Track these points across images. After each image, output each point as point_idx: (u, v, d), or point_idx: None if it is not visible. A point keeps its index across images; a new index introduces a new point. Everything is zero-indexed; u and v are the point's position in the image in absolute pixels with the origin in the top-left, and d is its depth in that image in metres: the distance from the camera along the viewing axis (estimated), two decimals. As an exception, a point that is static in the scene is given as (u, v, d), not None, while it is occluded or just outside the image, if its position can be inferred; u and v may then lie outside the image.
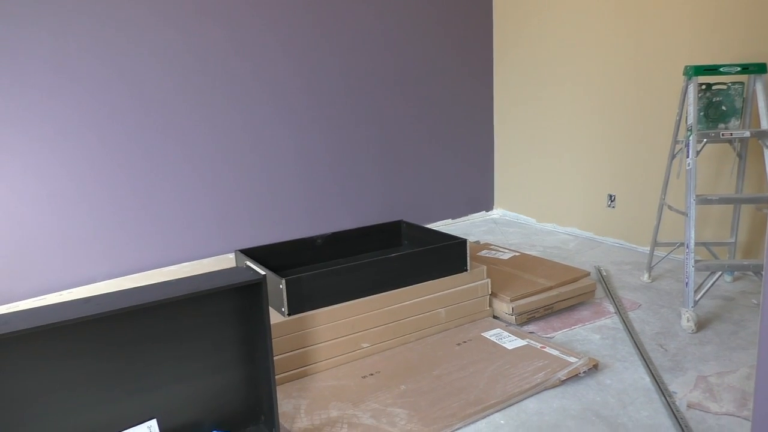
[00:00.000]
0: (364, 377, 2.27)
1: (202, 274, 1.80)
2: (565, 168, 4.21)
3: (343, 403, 2.10)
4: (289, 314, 2.27)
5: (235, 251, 2.72)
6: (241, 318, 1.83)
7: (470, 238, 4.17)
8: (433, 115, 4.36)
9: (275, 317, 2.27)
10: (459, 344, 2.51)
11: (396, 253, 2.52)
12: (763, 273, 1.24)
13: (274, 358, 2.19)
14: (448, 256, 2.65)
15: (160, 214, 3.37)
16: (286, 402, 2.12)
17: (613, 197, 3.91)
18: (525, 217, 4.60)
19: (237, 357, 1.85)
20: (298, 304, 2.29)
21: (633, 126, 3.71)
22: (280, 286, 2.26)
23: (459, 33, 4.37)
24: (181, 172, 3.40)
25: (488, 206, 4.82)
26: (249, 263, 2.54)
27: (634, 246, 3.81)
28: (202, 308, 1.77)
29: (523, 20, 4.31)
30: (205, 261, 3.48)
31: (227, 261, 3.42)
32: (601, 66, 3.83)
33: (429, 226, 4.47)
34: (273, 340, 2.17)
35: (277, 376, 2.22)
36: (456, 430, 1.95)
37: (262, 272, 1.79)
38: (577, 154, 4.11)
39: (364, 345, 2.44)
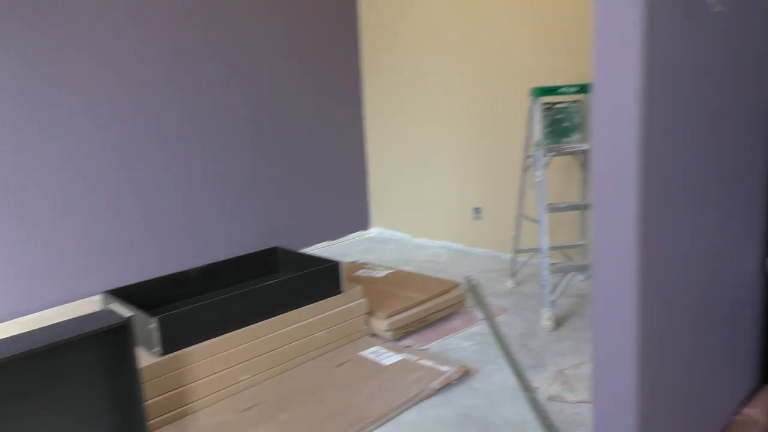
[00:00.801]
0: (245, 410, 2.26)
1: (60, 323, 1.72)
2: (434, 185, 4.42)
3: (224, 439, 2.07)
4: (163, 354, 2.22)
5: (103, 293, 2.60)
6: (108, 364, 1.77)
7: (348, 259, 4.25)
8: (306, 138, 4.41)
9: (148, 358, 2.20)
10: (339, 365, 2.57)
11: (271, 281, 2.53)
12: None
13: (150, 401, 2.12)
14: (323, 280, 2.70)
15: (18, 256, 3.14)
16: (163, 445, 2.06)
17: (479, 210, 4.16)
18: (400, 233, 4.77)
19: (106, 406, 1.79)
20: (172, 342, 2.24)
21: (493, 142, 3.98)
22: (151, 326, 2.20)
23: (327, 54, 4.47)
24: (40, 208, 3.20)
25: (365, 225, 4.94)
26: (114, 305, 2.44)
27: (501, 254, 4.07)
28: (63, 358, 1.69)
29: (389, 43, 4.50)
30: (71, 306, 3.28)
31: (93, 304, 3.25)
32: (462, 87, 4.08)
33: (309, 249, 4.51)
34: (147, 382, 2.11)
35: (153, 420, 2.15)
36: (338, 450, 2.00)
37: (127, 314, 1.75)
38: (444, 170, 4.33)
39: (244, 377, 2.42)
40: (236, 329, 2.42)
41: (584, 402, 2.18)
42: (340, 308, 2.75)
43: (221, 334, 2.37)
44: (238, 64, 3.97)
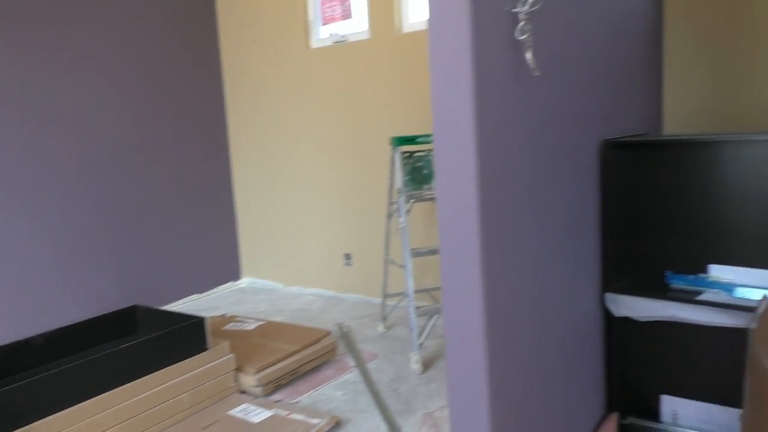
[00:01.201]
0: (98, 487, 2.08)
1: None
2: (305, 232, 4.42)
3: None
4: (-2, 435, 2.00)
5: (-74, 370, 2.31)
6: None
7: (217, 312, 4.11)
8: (169, 187, 4.26)
9: (-20, 441, 1.97)
10: (205, 428, 2.44)
11: (127, 343, 2.38)
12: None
13: (-19, 490, 1.89)
14: (187, 338, 2.58)
15: None
16: None
17: (349, 256, 4.21)
18: (272, 282, 4.69)
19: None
20: (7, 421, 2.02)
21: (360, 190, 4.07)
22: (-16, 405, 1.98)
23: (190, 104, 4.38)
24: None
25: (235, 276, 4.81)
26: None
27: (372, 299, 4.12)
28: None
29: (254, 96, 4.50)
30: None
31: None
32: (328, 137, 4.16)
33: (176, 303, 4.30)
34: (-23, 469, 1.88)
35: None
36: None
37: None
38: (315, 218, 4.35)
39: (97, 450, 2.24)
40: (87, 399, 2.23)
41: (451, 442, 2.23)
42: (206, 366, 2.63)
43: (70, 406, 2.18)
44: (94, 111, 3.78)
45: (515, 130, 1.53)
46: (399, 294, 3.52)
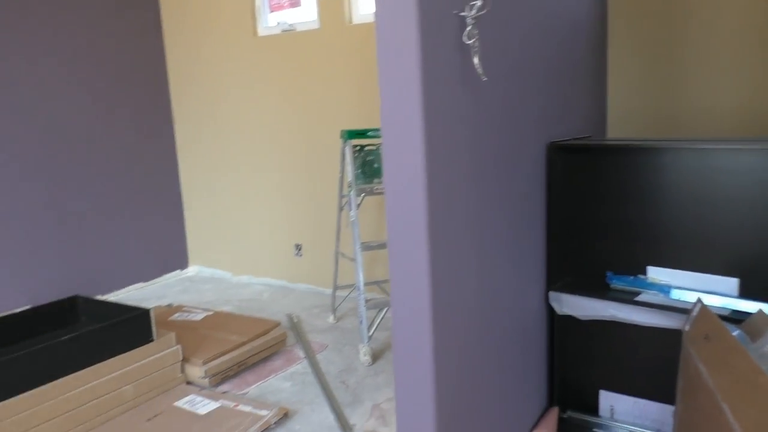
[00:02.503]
0: (37, 481, 2.03)
1: None
2: (255, 221, 4.38)
3: None
4: (-71, 429, 1.92)
5: None
6: None
7: (164, 301, 4.04)
8: (114, 173, 4.14)
9: None
10: (150, 419, 2.41)
11: (68, 335, 2.32)
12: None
13: None
14: (131, 329, 2.54)
15: None
16: None
17: (300, 246, 4.19)
18: (221, 271, 4.63)
19: None
20: (-58, 414, 1.95)
21: (310, 182, 4.05)
22: None
23: (133, 82, 4.26)
24: None
25: (183, 264, 4.73)
26: None
27: (322, 289, 4.13)
28: None
29: (201, 82, 4.41)
30: None
31: None
32: (281, 127, 4.12)
33: (118, 292, 4.20)
34: None
35: None
36: None
37: None
38: (264, 207, 4.31)
39: (36, 443, 2.18)
40: (26, 391, 2.17)
41: (397, 434, 2.27)
42: (151, 358, 2.60)
43: (12, 396, 2.12)
44: (34, 96, 3.64)
45: (463, 131, 1.56)
46: (349, 286, 3.54)
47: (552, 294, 2.15)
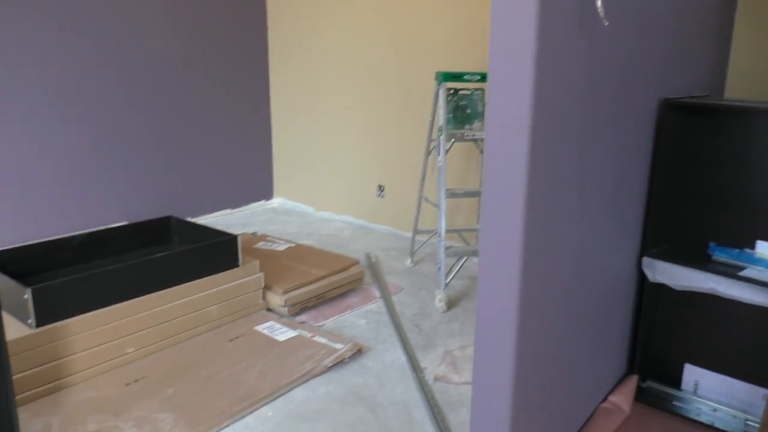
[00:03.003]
0: (129, 384, 2.18)
1: None
2: (340, 159, 4.40)
3: (103, 415, 2.00)
4: (37, 326, 2.09)
5: (-28, 257, 2.41)
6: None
7: (249, 229, 4.17)
8: (209, 103, 4.24)
9: (20, 330, 2.06)
10: (231, 340, 2.53)
11: (162, 253, 2.44)
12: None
13: (20, 375, 2.00)
14: (219, 253, 2.64)
15: None
16: (35, 421, 1.95)
17: (382, 187, 4.19)
18: (303, 205, 4.72)
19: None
20: (48, 314, 2.11)
21: (397, 123, 4.00)
22: (25, 297, 2.06)
23: (231, 17, 4.30)
24: None
25: (268, 195, 4.85)
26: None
27: (402, 232, 4.13)
28: None
29: (297, 17, 4.38)
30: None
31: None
32: (369, 67, 4.06)
33: (207, 216, 4.38)
34: (17, 355, 1.99)
35: (24, 394, 2.03)
36: (224, 428, 1.97)
37: (-3, 286, 1.63)
38: (350, 146, 4.32)
39: (129, 350, 2.33)
40: (122, 301, 2.31)
41: (468, 383, 2.28)
42: (236, 282, 2.70)
43: (104, 306, 2.26)
44: (137, 24, 3.74)
45: (574, 79, 1.46)
46: (429, 231, 3.52)
47: (645, 260, 2.05)
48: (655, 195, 2.04)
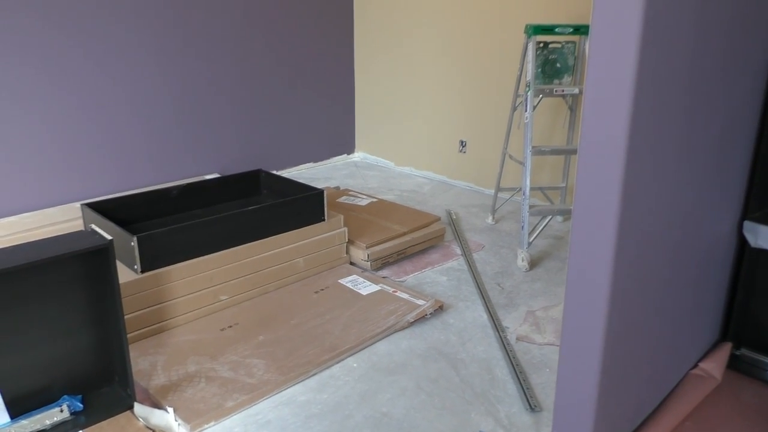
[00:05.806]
0: (223, 330, 2.32)
1: (45, 240, 1.71)
2: (421, 114, 4.37)
3: (201, 357, 2.13)
4: (142, 271, 2.24)
5: (82, 206, 2.59)
6: (88, 281, 1.79)
7: (331, 183, 4.25)
8: (293, 58, 4.29)
9: (127, 275, 2.22)
10: (317, 292, 2.62)
11: (254, 206, 2.53)
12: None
13: (128, 316, 2.16)
14: (306, 207, 2.71)
15: (-8, 164, 3.09)
16: (142, 360, 2.11)
17: (464, 143, 4.15)
18: (384, 160, 4.75)
19: (85, 319, 1.81)
20: (151, 260, 2.25)
21: (482, 78, 3.91)
22: (132, 244, 2.20)
23: (318, -27, 4.29)
24: (16, 114, 3.11)
25: (350, 149, 4.90)
26: (95, 226, 2.43)
27: (483, 189, 4.10)
28: (46, 274, 1.70)
29: (382, -36, 4.32)
30: (49, 211, 3.26)
31: (73, 211, 3.23)
32: (453, 20, 3.96)
33: (291, 169, 4.49)
34: (126, 298, 2.14)
35: (132, 334, 2.20)
36: (311, 376, 2.07)
37: (108, 237, 1.75)
38: (432, 101, 4.27)
39: (223, 297, 2.47)
40: (217, 251, 2.43)
41: (551, 344, 2.27)
42: (322, 236, 2.77)
43: (202, 255, 2.39)
44: (227, -27, 3.79)
45: (683, 30, 1.37)
46: (511, 189, 3.47)
47: (747, 224, 1.94)
48: (762, 155, 1.91)
